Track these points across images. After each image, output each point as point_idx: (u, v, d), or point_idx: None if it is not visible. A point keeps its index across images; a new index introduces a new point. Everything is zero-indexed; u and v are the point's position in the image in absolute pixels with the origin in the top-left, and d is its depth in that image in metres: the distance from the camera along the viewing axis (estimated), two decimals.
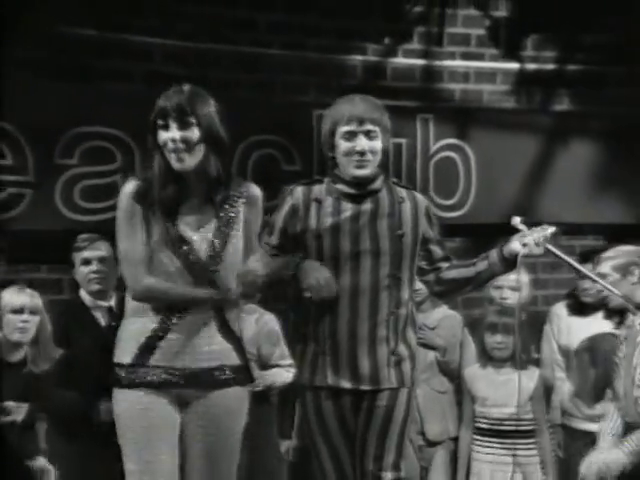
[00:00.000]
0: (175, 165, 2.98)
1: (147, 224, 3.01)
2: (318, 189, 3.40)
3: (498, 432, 4.37)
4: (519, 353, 4.26)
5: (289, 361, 4.43)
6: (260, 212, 3.19)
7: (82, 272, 4.45)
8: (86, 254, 4.45)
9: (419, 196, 3.50)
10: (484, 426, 4.43)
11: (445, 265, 3.44)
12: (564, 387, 4.59)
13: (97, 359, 4.04)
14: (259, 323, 4.56)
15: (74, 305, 4.54)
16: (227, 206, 3.09)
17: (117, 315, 4.34)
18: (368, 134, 3.32)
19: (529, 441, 4.38)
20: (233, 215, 3.10)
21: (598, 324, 4.46)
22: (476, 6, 6.30)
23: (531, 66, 6.45)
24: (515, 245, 3.29)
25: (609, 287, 3.85)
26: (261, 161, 5.60)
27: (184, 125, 2.97)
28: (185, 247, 3.01)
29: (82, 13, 5.34)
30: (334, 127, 3.35)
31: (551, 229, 3.32)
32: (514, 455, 4.30)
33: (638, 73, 6.51)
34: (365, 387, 3.28)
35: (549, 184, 6.22)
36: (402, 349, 3.33)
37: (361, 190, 3.36)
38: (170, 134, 2.97)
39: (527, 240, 3.28)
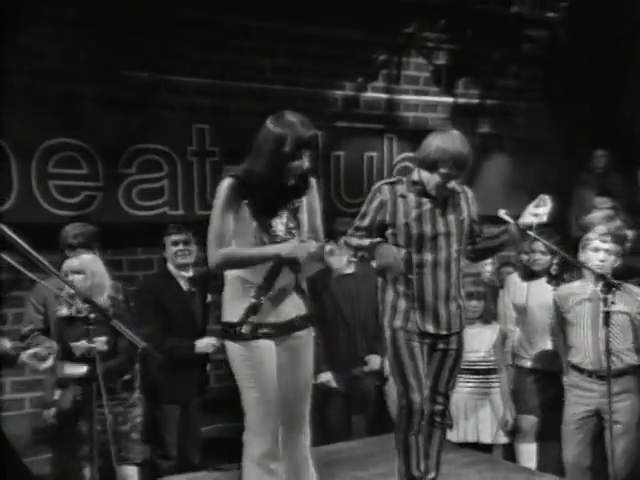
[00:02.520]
0: (291, 181, 2.84)
1: (238, 213, 2.81)
2: (401, 188, 3.27)
3: (472, 370, 4.22)
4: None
5: None
6: (317, 195, 3.03)
7: (171, 250, 4.42)
8: (174, 238, 4.41)
9: (467, 189, 3.39)
10: (462, 367, 4.27)
11: (479, 239, 3.38)
12: (515, 335, 4.45)
13: (179, 313, 4.31)
14: None
15: (164, 275, 4.48)
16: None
17: (195, 282, 4.44)
18: (458, 175, 3.22)
19: (493, 376, 4.24)
20: (299, 204, 2.95)
21: (542, 287, 4.35)
22: (424, 57, 6.21)
23: (462, 100, 6.36)
24: (529, 218, 3.20)
25: (567, 256, 3.83)
26: None
27: (311, 160, 2.80)
28: (271, 229, 2.85)
29: (136, 59, 5.07)
30: (437, 162, 3.15)
31: (548, 199, 3.19)
32: (484, 387, 4.20)
33: (536, 107, 6.50)
34: (443, 332, 3.24)
35: (477, 185, 6.07)
36: (461, 302, 3.30)
37: None
38: (303, 165, 2.79)
39: (538, 211, 3.18)
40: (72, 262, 3.83)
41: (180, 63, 5.28)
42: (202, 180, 5.37)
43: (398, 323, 3.22)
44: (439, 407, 3.29)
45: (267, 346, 2.87)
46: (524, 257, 4.51)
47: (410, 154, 5.94)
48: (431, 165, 3.16)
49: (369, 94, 5.99)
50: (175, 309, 4.32)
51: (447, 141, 3.16)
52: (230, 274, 2.91)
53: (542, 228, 3.95)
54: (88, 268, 3.79)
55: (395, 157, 5.99)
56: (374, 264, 3.23)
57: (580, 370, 3.86)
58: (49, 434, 3.87)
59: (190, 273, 4.42)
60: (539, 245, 4.29)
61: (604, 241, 3.89)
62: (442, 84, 6.28)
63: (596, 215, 4.70)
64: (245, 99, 5.45)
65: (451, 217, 3.23)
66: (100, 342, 3.41)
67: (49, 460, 4.00)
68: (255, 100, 5.46)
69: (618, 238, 4.39)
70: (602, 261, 3.83)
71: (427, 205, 3.21)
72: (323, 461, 3.12)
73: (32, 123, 4.65)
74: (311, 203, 2.99)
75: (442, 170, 3.13)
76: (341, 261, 2.88)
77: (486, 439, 4.16)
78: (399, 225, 3.20)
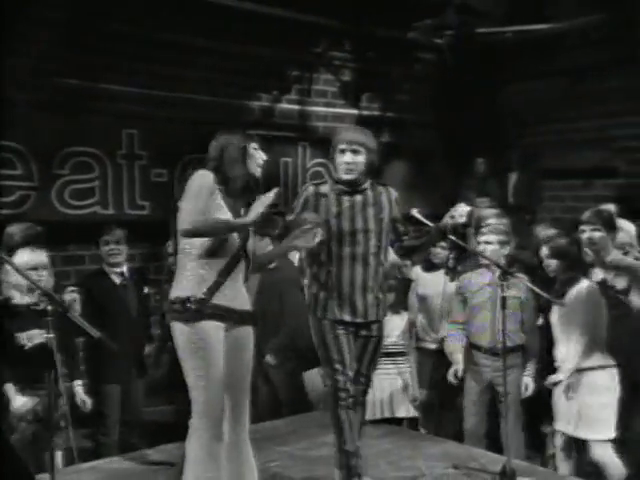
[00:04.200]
0: (260, 161, 2.90)
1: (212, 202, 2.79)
2: (324, 187, 3.21)
3: (385, 354, 4.18)
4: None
5: None
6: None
7: (104, 250, 4.29)
8: (106, 237, 4.28)
9: (392, 190, 3.32)
10: None
11: (405, 237, 3.33)
12: (417, 322, 4.48)
13: (113, 305, 4.19)
14: None
15: (99, 271, 4.35)
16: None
17: (126, 277, 4.32)
18: (354, 152, 3.12)
19: (404, 358, 4.25)
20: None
21: (440, 277, 4.42)
22: (331, 73, 6.22)
23: (365, 112, 6.40)
24: (446, 219, 3.20)
25: (478, 251, 3.90)
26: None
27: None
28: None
29: (71, 68, 4.85)
30: (336, 144, 3.17)
31: (463, 205, 3.22)
32: (396, 368, 4.21)
33: (427, 120, 6.61)
34: (359, 320, 3.18)
35: None
36: (380, 295, 3.23)
37: (354, 188, 3.18)
38: (261, 157, 2.93)
39: (454, 213, 3.18)
40: (41, 257, 3.66)
41: (112, 73, 5.09)
42: (131, 182, 5.23)
43: (319, 313, 3.18)
44: (361, 387, 3.27)
45: (215, 329, 2.75)
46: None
47: (321, 160, 6.01)
48: (332, 152, 3.18)
49: (284, 105, 5.95)
50: (109, 302, 4.21)
51: (340, 130, 3.30)
52: (193, 256, 2.79)
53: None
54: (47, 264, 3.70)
55: (308, 162, 6.01)
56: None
57: (478, 348, 3.97)
58: None
59: (123, 269, 4.32)
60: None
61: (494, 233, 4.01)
62: (348, 98, 6.30)
63: (489, 212, 4.81)
64: (171, 108, 5.31)
65: (370, 214, 3.17)
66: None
67: None
68: (180, 109, 5.34)
69: (505, 232, 4.55)
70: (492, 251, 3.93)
71: (346, 203, 3.16)
72: (250, 438, 3.06)
73: None
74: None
75: (340, 147, 3.13)
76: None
77: (401, 414, 4.20)
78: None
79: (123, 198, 5.19)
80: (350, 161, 3.12)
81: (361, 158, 3.14)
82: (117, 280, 4.29)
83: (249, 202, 2.83)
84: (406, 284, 4.42)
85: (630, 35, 5.74)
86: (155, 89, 5.25)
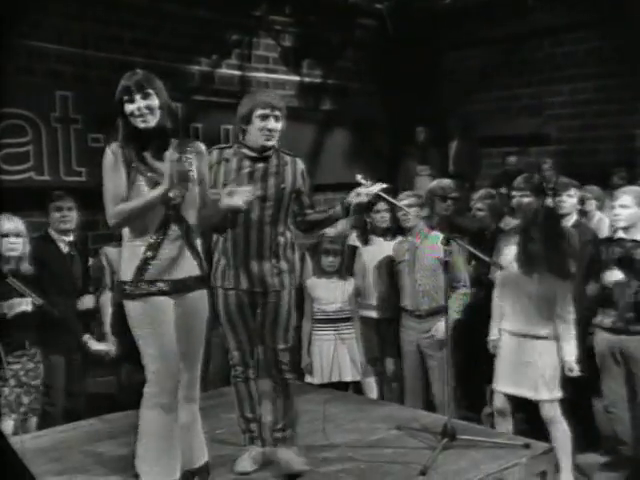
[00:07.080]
0: (140, 125, 2.53)
1: (128, 173, 2.54)
2: (228, 152, 2.97)
3: (330, 320, 4.12)
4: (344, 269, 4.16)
5: None
6: (207, 161, 2.77)
7: (54, 216, 4.00)
8: (57, 204, 4.00)
9: (299, 161, 3.07)
10: (321, 317, 4.13)
11: (310, 211, 3.10)
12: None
13: (60, 274, 3.94)
14: None
15: (45, 238, 4.01)
16: (183, 158, 2.61)
17: (75, 246, 4.09)
18: (276, 118, 2.91)
19: (349, 324, 4.17)
20: (188, 165, 2.63)
21: (380, 247, 4.34)
22: (272, 38, 6.04)
23: (307, 79, 6.27)
24: (350, 197, 2.99)
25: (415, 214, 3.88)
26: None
27: (146, 95, 2.52)
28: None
29: None
30: (251, 109, 2.89)
31: (379, 186, 3.00)
32: (340, 334, 4.15)
33: (368, 88, 6.54)
34: (257, 289, 2.99)
35: (322, 156, 6.09)
36: (282, 264, 3.01)
37: (259, 154, 2.96)
38: (135, 105, 2.51)
39: (359, 191, 2.97)
40: (17, 224, 3.58)
41: (43, 30, 4.78)
42: (67, 147, 4.93)
43: (218, 282, 3.02)
44: (278, 360, 3.05)
45: (164, 302, 2.62)
46: (368, 219, 4.48)
47: None
48: (248, 115, 2.92)
49: (224, 70, 5.75)
50: (56, 270, 3.95)
51: (254, 92, 3.16)
52: (125, 237, 2.64)
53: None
54: (25, 232, 3.60)
55: None
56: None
57: (405, 311, 3.98)
58: None
59: (71, 237, 4.06)
60: (382, 205, 4.29)
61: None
62: (289, 64, 6.14)
63: (447, 182, 4.73)
64: (106, 69, 5.03)
65: (271, 183, 2.97)
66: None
67: None
68: (115, 71, 5.03)
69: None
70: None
71: (246, 169, 2.96)
72: (199, 406, 2.94)
73: None
74: (200, 168, 2.73)
75: (258, 112, 2.90)
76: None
77: (347, 378, 4.16)
78: (219, 187, 2.92)
79: (59, 164, 4.90)
80: (273, 128, 2.92)
81: (281, 125, 2.94)
82: (65, 249, 4.03)
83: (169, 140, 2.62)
84: (352, 251, 4.32)
85: (564, 4, 5.76)
86: (88, 49, 4.99)
